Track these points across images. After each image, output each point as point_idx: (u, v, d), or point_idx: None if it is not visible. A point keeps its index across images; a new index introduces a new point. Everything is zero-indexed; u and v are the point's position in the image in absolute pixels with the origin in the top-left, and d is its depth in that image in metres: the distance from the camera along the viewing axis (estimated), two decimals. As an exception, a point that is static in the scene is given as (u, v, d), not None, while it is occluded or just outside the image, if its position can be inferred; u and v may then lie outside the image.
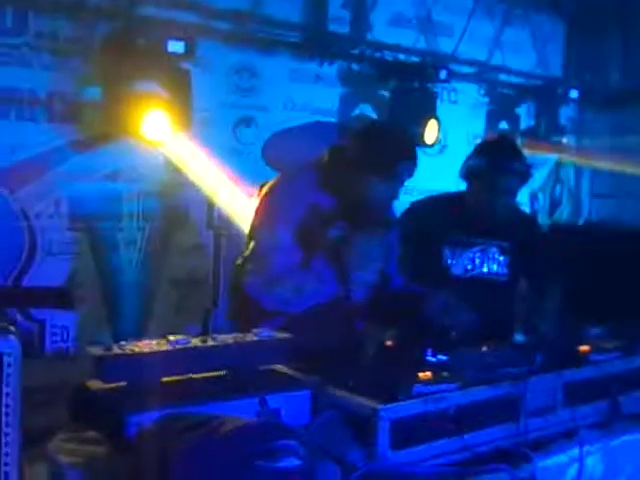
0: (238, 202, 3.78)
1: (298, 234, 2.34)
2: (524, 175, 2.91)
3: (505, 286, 2.99)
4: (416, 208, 3.01)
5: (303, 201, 2.38)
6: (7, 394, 1.46)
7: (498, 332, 2.58)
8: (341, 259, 2.35)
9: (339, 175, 2.43)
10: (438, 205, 3.06)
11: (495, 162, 2.85)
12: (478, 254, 2.94)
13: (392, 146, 2.45)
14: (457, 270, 2.93)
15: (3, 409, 1.46)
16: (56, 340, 3.49)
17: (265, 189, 2.51)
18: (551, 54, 5.56)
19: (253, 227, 2.50)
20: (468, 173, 2.93)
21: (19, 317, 3.34)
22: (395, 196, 2.50)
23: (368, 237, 2.40)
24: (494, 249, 2.96)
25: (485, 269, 2.96)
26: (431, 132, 4.31)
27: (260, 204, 2.49)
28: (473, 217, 2.92)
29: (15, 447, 1.51)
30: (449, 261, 2.92)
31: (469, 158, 2.96)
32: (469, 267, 2.94)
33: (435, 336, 2.33)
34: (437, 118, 4.36)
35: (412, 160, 2.46)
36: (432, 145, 4.43)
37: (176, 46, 3.37)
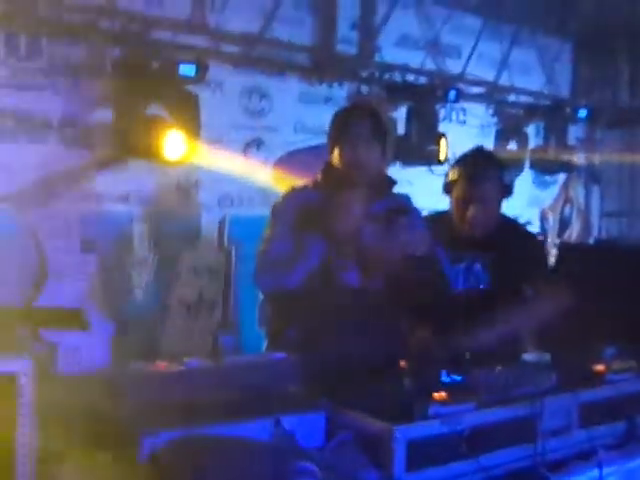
0: (249, 222, 3.79)
1: (292, 225, 2.47)
2: (499, 182, 2.87)
3: (492, 301, 2.87)
4: None
5: (297, 200, 2.53)
6: (22, 414, 1.46)
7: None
8: (324, 221, 2.39)
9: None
10: (429, 224, 3.02)
11: (466, 169, 2.84)
12: (462, 271, 2.89)
13: (341, 111, 2.68)
14: None
15: (19, 429, 1.46)
16: (68, 362, 3.49)
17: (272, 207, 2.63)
18: (559, 74, 5.58)
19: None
20: (446, 186, 2.94)
21: (31, 338, 3.34)
22: (363, 159, 2.50)
23: (347, 196, 2.41)
24: (478, 265, 2.89)
25: (468, 285, 2.90)
26: (443, 150, 4.40)
27: (269, 217, 2.61)
28: (458, 232, 2.89)
29: (29, 468, 1.50)
30: None
31: (447, 172, 2.96)
32: (456, 284, 2.89)
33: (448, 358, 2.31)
34: (445, 136, 4.44)
35: (361, 119, 2.56)
36: (443, 162, 4.47)
37: (187, 69, 3.40)
